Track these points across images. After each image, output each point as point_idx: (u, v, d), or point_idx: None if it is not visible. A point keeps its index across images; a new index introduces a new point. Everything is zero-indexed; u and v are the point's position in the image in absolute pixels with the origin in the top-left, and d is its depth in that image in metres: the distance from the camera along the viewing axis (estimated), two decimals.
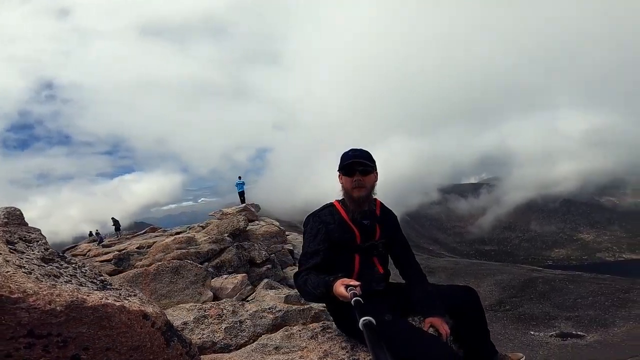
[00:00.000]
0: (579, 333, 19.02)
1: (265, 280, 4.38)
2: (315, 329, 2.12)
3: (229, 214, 13.91)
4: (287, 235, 12.67)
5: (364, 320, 1.07)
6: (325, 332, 2.09)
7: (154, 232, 15.48)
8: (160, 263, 3.86)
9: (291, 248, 10.27)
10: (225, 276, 4.53)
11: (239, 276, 4.39)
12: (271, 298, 3.56)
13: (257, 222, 13.14)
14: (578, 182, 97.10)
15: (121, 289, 1.40)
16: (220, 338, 2.08)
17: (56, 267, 1.28)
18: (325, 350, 1.88)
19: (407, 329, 1.71)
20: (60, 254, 1.42)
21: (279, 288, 4.30)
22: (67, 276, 1.23)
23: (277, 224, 13.78)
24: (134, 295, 1.39)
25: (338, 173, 2.06)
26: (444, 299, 1.89)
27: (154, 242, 8.66)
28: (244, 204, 16.57)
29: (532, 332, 20.37)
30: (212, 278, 4.41)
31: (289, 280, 7.55)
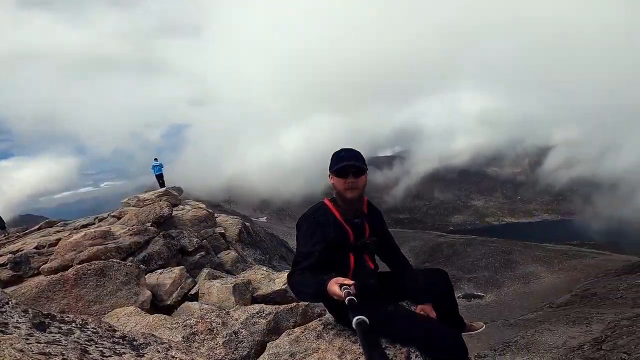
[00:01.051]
0: (479, 294, 22.83)
1: (207, 271, 4.17)
2: (317, 327, 2.10)
3: (148, 200, 12.65)
4: (215, 217, 12.14)
5: (357, 319, 1.09)
6: (328, 329, 2.09)
7: (51, 226, 13.29)
8: (80, 266, 3.35)
9: (223, 231, 9.90)
10: (159, 271, 4.17)
11: (176, 269, 4.09)
12: (219, 290, 3.43)
13: (182, 206, 12.25)
14: (471, 155, 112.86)
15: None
16: (223, 354, 1.95)
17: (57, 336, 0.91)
18: (339, 347, 1.88)
19: (411, 315, 1.93)
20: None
21: (222, 277, 4.15)
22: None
23: (204, 206, 13.07)
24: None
25: (329, 173, 2.05)
26: (424, 284, 2.09)
27: (58, 240, 7.47)
28: (164, 188, 15.20)
29: None
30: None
31: (226, 265, 7.33)
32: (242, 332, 2.11)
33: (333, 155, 2.07)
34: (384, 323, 1.85)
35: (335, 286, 1.55)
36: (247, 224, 13.05)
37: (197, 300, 3.44)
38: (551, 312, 16.94)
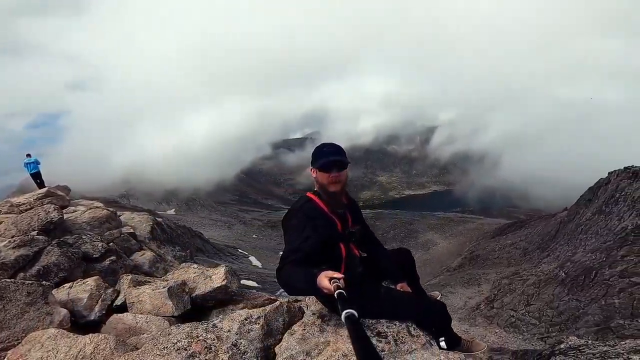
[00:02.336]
0: None
1: (129, 277, 3.80)
2: (315, 322, 2.09)
3: (24, 204, 10.48)
4: (118, 216, 10.79)
5: (346, 312, 1.11)
6: (327, 321, 2.09)
7: None
8: None
9: (131, 231, 8.92)
10: (68, 285, 3.64)
11: (91, 280, 3.62)
12: (151, 296, 3.19)
13: (73, 208, 10.53)
14: (374, 135, 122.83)
15: None
16: None
17: None
18: (347, 335, 1.89)
19: (402, 295, 2.14)
20: None
21: (150, 281, 3.84)
22: None
23: (102, 205, 11.47)
24: None
25: (311, 167, 2.11)
26: (396, 263, 2.33)
27: None
28: (45, 188, 12.71)
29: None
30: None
31: (144, 267, 6.71)
32: (241, 343, 2.02)
33: (316, 150, 2.14)
34: (382, 306, 2.05)
35: (325, 280, 1.58)
36: (159, 219, 12.00)
37: (127, 311, 3.14)
38: (449, 275, 19.79)
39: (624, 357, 1.42)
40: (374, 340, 1.90)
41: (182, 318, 3.08)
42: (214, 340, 2.00)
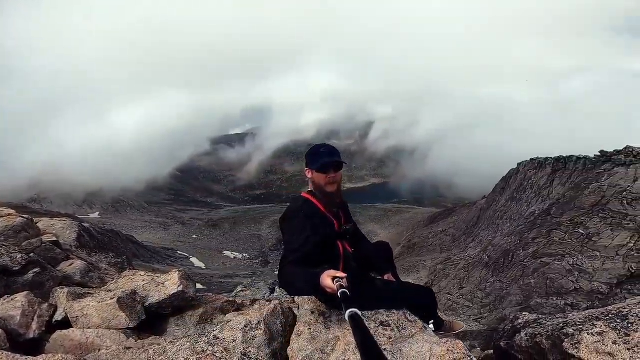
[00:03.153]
0: None
1: (66, 290, 3.45)
2: (318, 320, 2.09)
3: None
4: (36, 223, 9.49)
5: (350, 312, 1.11)
6: (329, 318, 2.10)
7: None
8: None
9: (55, 239, 7.93)
10: None
11: (20, 296, 3.20)
12: (98, 309, 2.95)
13: None
14: (317, 129, 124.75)
15: None
16: None
17: None
18: (348, 342, 1.93)
19: (395, 286, 2.33)
20: None
21: (91, 293, 3.53)
22: None
23: (15, 212, 9.97)
24: None
25: (306, 168, 2.17)
26: (381, 255, 2.50)
27: None
28: None
29: None
30: None
31: (75, 278, 6.05)
32: (250, 351, 1.95)
33: (312, 151, 2.17)
34: (382, 297, 2.16)
35: (328, 279, 1.59)
36: (85, 225, 10.84)
37: (72, 327, 2.87)
38: None
39: (587, 324, 1.68)
40: (379, 330, 2.00)
41: (138, 330, 2.91)
42: (223, 352, 1.92)
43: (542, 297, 11.72)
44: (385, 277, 2.44)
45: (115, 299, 3.02)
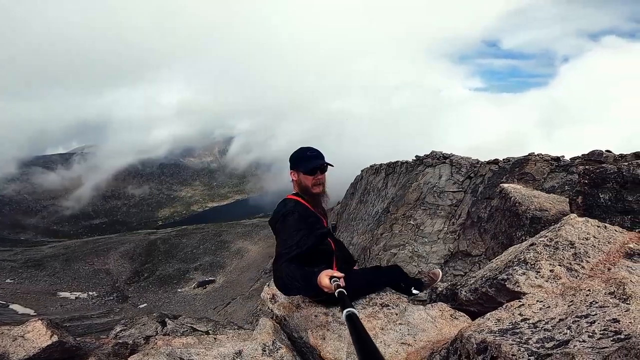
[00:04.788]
0: (211, 279, 23.88)
1: None
2: (328, 321, 2.13)
3: None
4: None
5: (347, 311, 1.10)
6: (333, 316, 2.14)
7: None
8: None
9: None
10: None
11: None
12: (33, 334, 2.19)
13: None
14: (170, 146, 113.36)
15: None
16: None
17: None
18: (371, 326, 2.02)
19: (373, 271, 2.56)
20: None
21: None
22: None
23: None
24: None
25: (291, 170, 2.25)
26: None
27: None
28: None
29: (179, 290, 22.91)
30: None
31: None
32: None
33: (297, 154, 2.22)
34: (372, 284, 2.34)
35: (326, 279, 1.61)
36: None
37: None
38: (268, 277, 20.95)
39: (508, 272, 2.01)
40: (384, 310, 2.19)
41: None
42: None
43: None
44: (355, 267, 2.63)
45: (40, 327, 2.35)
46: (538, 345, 1.23)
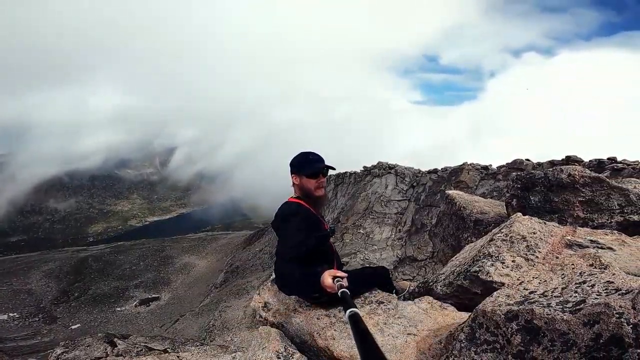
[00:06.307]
0: (154, 296, 22.16)
1: None
2: (333, 322, 2.12)
3: None
4: None
5: (350, 312, 1.08)
6: (336, 317, 2.16)
7: None
8: None
9: None
10: None
11: None
12: None
13: None
14: (103, 156, 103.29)
15: None
16: None
17: None
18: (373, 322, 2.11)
19: (362, 272, 2.60)
20: None
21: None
22: None
23: None
24: None
25: (294, 174, 2.28)
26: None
27: None
28: None
29: (118, 309, 20.87)
30: None
31: None
32: None
33: (299, 158, 2.26)
34: (363, 283, 2.44)
35: (329, 279, 1.64)
36: None
37: None
38: (219, 291, 19.99)
39: (477, 265, 2.18)
40: (381, 306, 2.25)
41: None
42: None
43: None
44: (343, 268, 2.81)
45: None
46: (561, 307, 1.31)
